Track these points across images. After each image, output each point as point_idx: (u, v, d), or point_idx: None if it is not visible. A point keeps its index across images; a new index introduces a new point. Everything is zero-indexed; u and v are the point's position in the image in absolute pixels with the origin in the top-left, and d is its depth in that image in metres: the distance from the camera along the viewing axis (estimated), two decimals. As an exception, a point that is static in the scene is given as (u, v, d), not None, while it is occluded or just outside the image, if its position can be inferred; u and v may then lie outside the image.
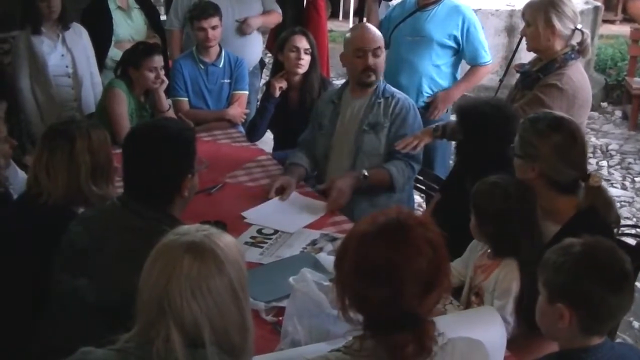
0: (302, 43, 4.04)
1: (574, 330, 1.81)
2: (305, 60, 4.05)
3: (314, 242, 2.96)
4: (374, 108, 3.52)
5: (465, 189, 2.83)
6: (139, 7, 4.95)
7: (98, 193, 2.56)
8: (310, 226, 3.11)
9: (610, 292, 1.77)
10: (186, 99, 4.55)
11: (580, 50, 3.35)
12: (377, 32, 3.54)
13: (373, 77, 3.50)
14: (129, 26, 4.87)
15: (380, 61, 3.51)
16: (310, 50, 4.06)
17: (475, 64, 4.32)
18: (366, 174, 3.40)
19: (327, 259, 2.63)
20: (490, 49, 4.51)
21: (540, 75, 3.32)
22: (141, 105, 4.24)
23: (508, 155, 2.60)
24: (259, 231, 3.07)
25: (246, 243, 2.94)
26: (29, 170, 2.68)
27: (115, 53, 4.62)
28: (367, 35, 3.52)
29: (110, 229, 2.22)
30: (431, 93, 4.29)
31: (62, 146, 2.53)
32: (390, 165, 3.45)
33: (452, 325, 1.84)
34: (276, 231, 3.06)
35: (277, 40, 4.38)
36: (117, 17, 4.82)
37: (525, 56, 3.63)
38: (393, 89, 3.61)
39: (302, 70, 4.06)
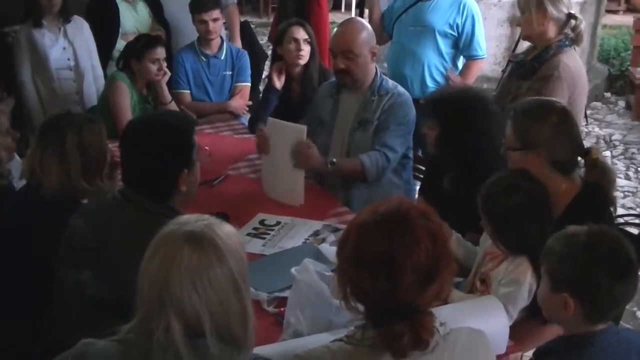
0: (300, 34, 4.00)
1: (578, 318, 1.82)
2: (306, 50, 4.01)
3: (316, 233, 2.96)
4: (367, 105, 3.44)
5: (442, 186, 2.85)
6: (144, 0, 4.94)
7: (90, 189, 2.55)
8: (313, 217, 3.12)
9: (616, 282, 1.78)
10: (188, 91, 4.56)
11: (574, 38, 3.35)
12: (357, 34, 3.37)
13: (347, 79, 3.44)
14: (134, 18, 4.86)
15: (356, 64, 3.37)
16: (309, 39, 4.03)
17: (469, 56, 4.30)
18: (334, 161, 3.32)
19: (330, 250, 2.63)
20: (493, 40, 4.51)
21: (536, 64, 3.32)
22: (143, 97, 4.23)
23: (485, 148, 2.64)
24: (262, 222, 3.07)
25: (249, 234, 2.94)
26: (25, 161, 2.68)
27: (121, 45, 4.58)
28: (339, 37, 3.44)
29: (111, 222, 2.22)
30: (434, 82, 4.27)
31: (53, 142, 2.53)
32: (363, 155, 3.35)
33: (455, 315, 1.84)
34: (278, 222, 3.06)
35: (275, 33, 4.38)
36: (123, 9, 4.81)
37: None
38: (390, 84, 3.48)
39: (303, 61, 4.03)
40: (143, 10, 4.91)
